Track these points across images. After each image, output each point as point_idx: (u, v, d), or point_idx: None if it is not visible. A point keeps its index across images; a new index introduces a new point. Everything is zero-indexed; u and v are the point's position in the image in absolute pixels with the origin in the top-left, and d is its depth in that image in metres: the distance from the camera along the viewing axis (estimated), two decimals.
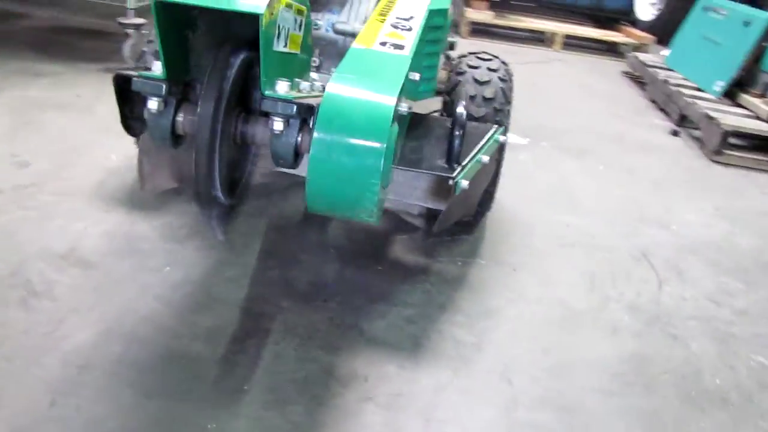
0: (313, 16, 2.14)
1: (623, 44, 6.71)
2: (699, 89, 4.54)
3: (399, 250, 2.31)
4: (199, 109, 1.31)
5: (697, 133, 4.12)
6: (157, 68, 1.33)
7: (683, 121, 4.30)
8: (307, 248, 2.22)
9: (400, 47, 1.54)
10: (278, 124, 1.34)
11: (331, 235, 2.35)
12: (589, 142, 3.80)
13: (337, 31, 2.17)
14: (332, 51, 2.19)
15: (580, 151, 3.62)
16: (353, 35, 2.09)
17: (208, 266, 2.02)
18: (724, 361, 1.98)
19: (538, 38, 6.75)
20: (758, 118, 4.03)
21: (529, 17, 7.12)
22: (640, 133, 4.13)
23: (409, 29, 1.66)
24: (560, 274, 2.32)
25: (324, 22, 2.20)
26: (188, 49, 1.38)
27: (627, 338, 2.02)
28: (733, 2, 4.72)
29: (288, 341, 1.76)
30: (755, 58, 4.15)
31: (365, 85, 1.29)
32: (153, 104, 1.34)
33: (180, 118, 1.37)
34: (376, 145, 1.22)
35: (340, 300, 1.97)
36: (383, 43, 1.54)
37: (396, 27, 1.67)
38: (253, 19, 1.22)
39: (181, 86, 1.38)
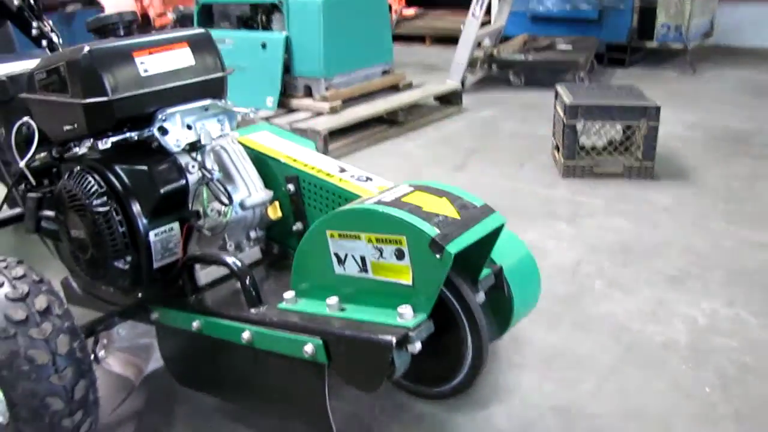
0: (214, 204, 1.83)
1: None
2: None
3: None
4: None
5: None
6: (410, 313, 1.33)
7: None
8: None
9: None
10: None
11: None
12: None
13: (246, 207, 1.87)
14: (238, 229, 1.90)
15: None
16: (263, 205, 1.90)
17: None
18: None
19: None
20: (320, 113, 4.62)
21: None
22: None
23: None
24: None
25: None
26: None
27: None
28: (237, 31, 5.23)
29: None
30: (286, 69, 4.89)
31: None
32: (418, 346, 1.27)
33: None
34: None
35: None
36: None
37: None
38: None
39: None
